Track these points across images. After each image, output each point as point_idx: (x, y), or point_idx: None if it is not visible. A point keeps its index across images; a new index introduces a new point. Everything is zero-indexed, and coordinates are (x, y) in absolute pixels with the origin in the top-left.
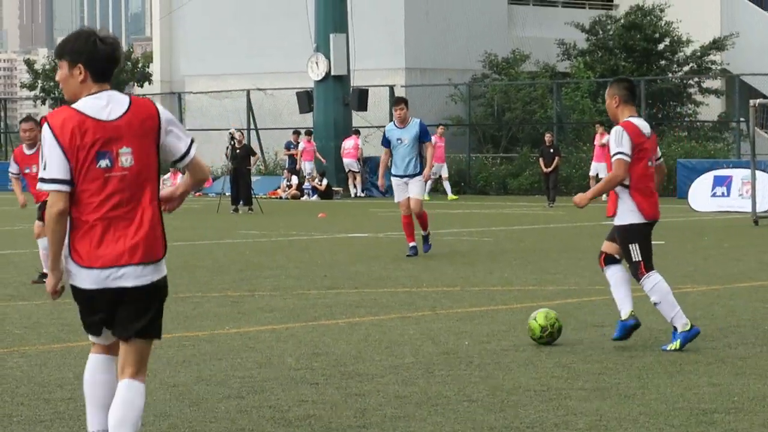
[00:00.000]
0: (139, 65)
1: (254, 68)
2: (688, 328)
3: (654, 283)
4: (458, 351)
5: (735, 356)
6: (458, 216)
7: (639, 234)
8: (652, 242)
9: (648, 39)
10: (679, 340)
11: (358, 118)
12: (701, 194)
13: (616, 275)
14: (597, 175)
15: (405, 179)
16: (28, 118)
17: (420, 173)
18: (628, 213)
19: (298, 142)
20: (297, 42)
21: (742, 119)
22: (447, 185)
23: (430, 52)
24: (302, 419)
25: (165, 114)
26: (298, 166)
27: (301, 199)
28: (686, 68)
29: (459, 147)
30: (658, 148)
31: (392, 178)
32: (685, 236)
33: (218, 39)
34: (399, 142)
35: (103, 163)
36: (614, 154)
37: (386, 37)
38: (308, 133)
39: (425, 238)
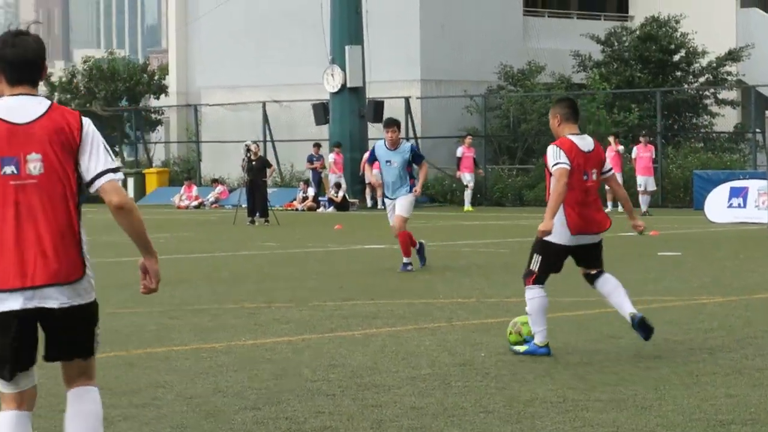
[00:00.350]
0: (156, 77)
1: (270, 80)
2: (542, 344)
3: (532, 296)
4: (474, 362)
5: (752, 367)
6: (474, 227)
7: (549, 251)
8: (668, 253)
9: (663, 50)
10: (527, 347)
11: (374, 130)
12: (717, 205)
13: (605, 285)
14: None
15: (395, 201)
16: None
17: (410, 191)
18: (556, 227)
19: (320, 155)
20: (313, 54)
21: (758, 130)
22: (468, 197)
23: (446, 63)
24: (319, 430)
25: (90, 128)
26: (332, 177)
27: (317, 210)
28: (702, 79)
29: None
30: (607, 161)
31: (385, 200)
32: (702, 247)
33: (234, 51)
34: (388, 164)
35: (8, 169)
36: (553, 166)
37: (402, 49)
38: (337, 144)
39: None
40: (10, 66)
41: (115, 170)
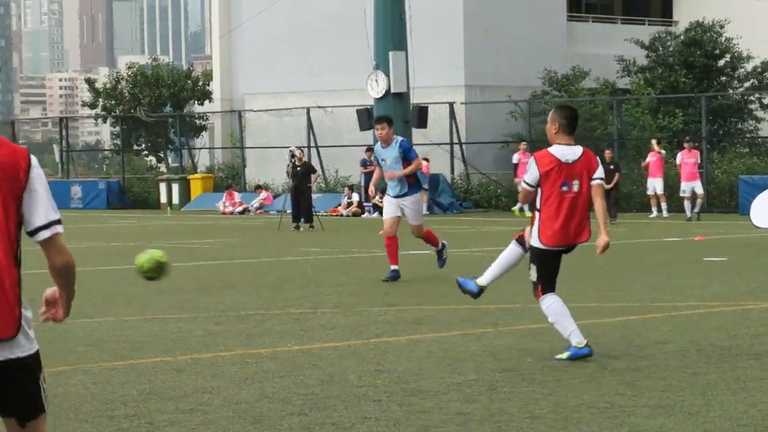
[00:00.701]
0: (200, 84)
1: (314, 86)
2: (581, 345)
3: (548, 304)
4: (520, 368)
5: None
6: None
7: (537, 257)
8: (714, 258)
9: (708, 55)
10: (569, 352)
11: (418, 135)
12: (763, 210)
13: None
14: (655, 191)
15: (397, 199)
16: None
17: (409, 193)
18: (533, 234)
19: (371, 160)
20: (357, 59)
21: None
22: None
23: (490, 69)
24: None
25: (37, 169)
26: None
27: (362, 216)
28: (747, 84)
29: None
30: (600, 170)
31: (385, 196)
32: (748, 252)
33: (278, 57)
34: (384, 162)
35: None
36: (522, 180)
37: (445, 55)
38: None
39: (439, 254)
40: None
41: (59, 222)
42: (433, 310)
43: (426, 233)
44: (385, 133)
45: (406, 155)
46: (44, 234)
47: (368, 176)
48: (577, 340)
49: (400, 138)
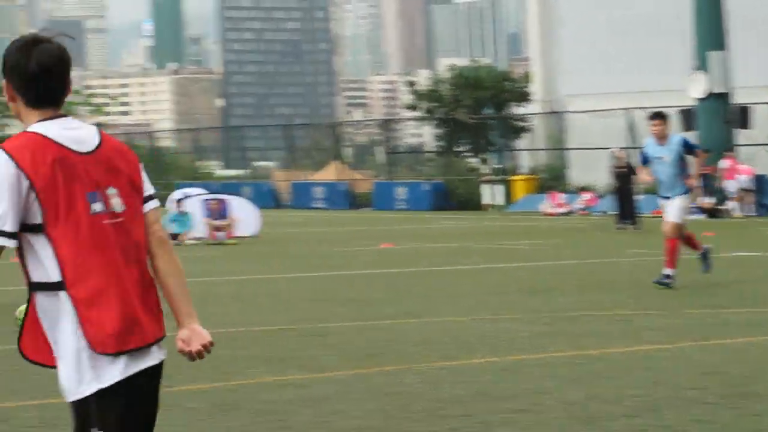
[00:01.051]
0: (520, 85)
1: (633, 87)
2: None
3: None
4: None
5: None
6: None
7: None
8: None
9: None
10: None
11: (740, 137)
12: None
13: None
14: None
15: (665, 200)
16: None
17: (685, 192)
18: None
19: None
20: (676, 60)
21: None
22: None
23: None
24: None
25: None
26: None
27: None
28: None
29: None
30: None
31: (659, 200)
32: None
33: (597, 58)
34: (659, 160)
35: (97, 206)
36: None
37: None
38: (728, 149)
39: (703, 256)
40: (32, 83)
41: (156, 196)
42: (764, 313)
43: (674, 243)
44: (660, 129)
45: (689, 150)
46: (148, 205)
47: (705, 178)
48: None
49: (679, 136)
